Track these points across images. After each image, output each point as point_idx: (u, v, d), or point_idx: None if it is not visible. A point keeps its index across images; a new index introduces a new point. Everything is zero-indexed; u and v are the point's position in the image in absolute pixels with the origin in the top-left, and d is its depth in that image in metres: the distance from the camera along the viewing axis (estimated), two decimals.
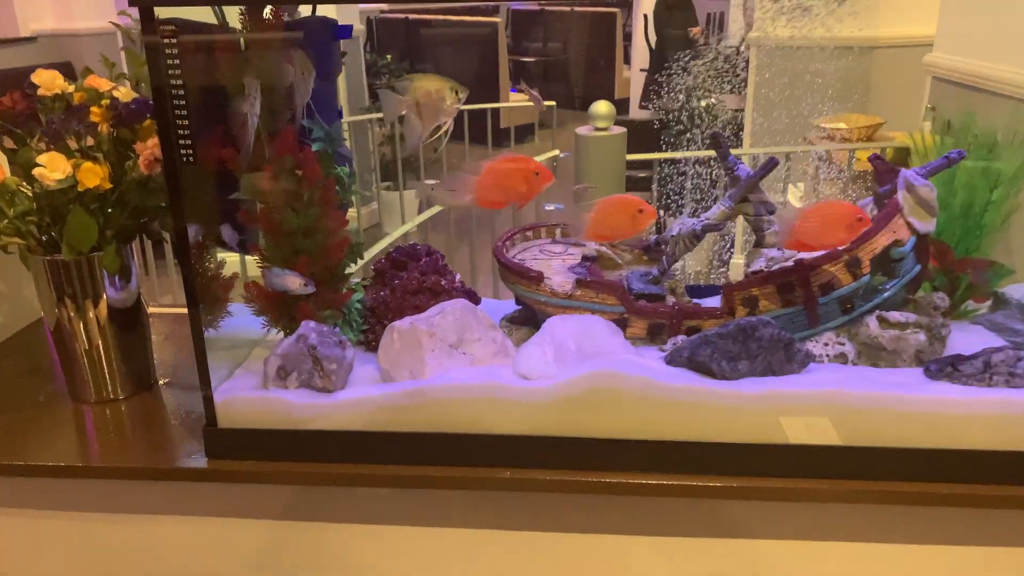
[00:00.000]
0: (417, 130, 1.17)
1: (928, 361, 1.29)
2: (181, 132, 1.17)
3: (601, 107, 3.23)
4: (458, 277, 1.52)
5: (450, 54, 9.22)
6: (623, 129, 3.27)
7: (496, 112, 8.23)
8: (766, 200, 1.37)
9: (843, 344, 1.35)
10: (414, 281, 1.44)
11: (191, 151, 1.20)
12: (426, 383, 1.28)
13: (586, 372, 1.25)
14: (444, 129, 1.19)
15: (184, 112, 1.16)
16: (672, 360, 1.29)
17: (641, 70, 9.88)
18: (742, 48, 9.16)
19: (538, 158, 3.86)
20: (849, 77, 4.73)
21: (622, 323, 1.37)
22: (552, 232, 1.52)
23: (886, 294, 1.34)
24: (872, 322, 1.34)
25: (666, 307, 1.36)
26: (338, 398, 1.30)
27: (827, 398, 1.23)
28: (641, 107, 9.60)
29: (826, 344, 1.35)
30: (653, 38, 9.48)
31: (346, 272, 1.43)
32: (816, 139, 4.42)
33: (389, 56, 7.61)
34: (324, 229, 1.34)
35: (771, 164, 1.36)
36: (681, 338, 1.36)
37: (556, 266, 1.43)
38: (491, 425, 1.28)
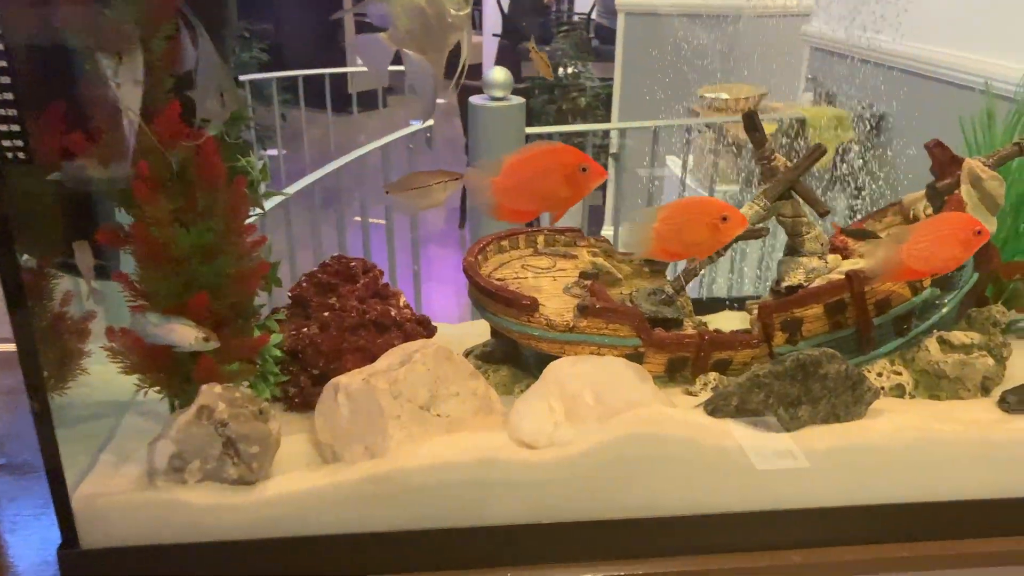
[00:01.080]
0: (427, 72, 0.78)
1: (1005, 392, 1.07)
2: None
3: (498, 74, 2.88)
4: (403, 299, 1.15)
5: (289, 13, 8.49)
6: (522, 99, 2.94)
7: (343, 78, 7.64)
8: (815, 198, 1.09)
9: (900, 373, 1.10)
10: (353, 312, 1.06)
11: (19, 140, 0.76)
12: (393, 464, 0.91)
13: (614, 435, 0.93)
14: (464, 58, 0.80)
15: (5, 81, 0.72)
16: (716, 410, 0.99)
17: (493, 35, 9.56)
18: (594, 15, 9.04)
19: (407, 130, 3.46)
20: (725, 46, 4.63)
21: (635, 359, 1.06)
22: (533, 240, 1.17)
23: (944, 310, 1.11)
24: (933, 345, 1.10)
25: (693, 337, 1.06)
26: (264, 492, 0.91)
27: (911, 448, 0.98)
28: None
29: (880, 374, 1.10)
30: (506, 3, 9.18)
31: (256, 305, 1.03)
32: (700, 109, 4.29)
33: None
34: (231, 250, 0.93)
35: (817, 153, 1.08)
36: (713, 377, 1.07)
37: (547, 287, 1.09)
38: (486, 514, 0.93)
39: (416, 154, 3.41)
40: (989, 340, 1.12)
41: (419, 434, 0.94)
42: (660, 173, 4.52)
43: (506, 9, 9.26)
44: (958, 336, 1.10)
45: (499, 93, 2.90)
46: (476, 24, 10.83)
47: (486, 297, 1.04)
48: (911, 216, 1.16)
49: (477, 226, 3.07)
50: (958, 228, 0.97)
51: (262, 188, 1.02)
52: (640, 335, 1.04)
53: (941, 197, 1.10)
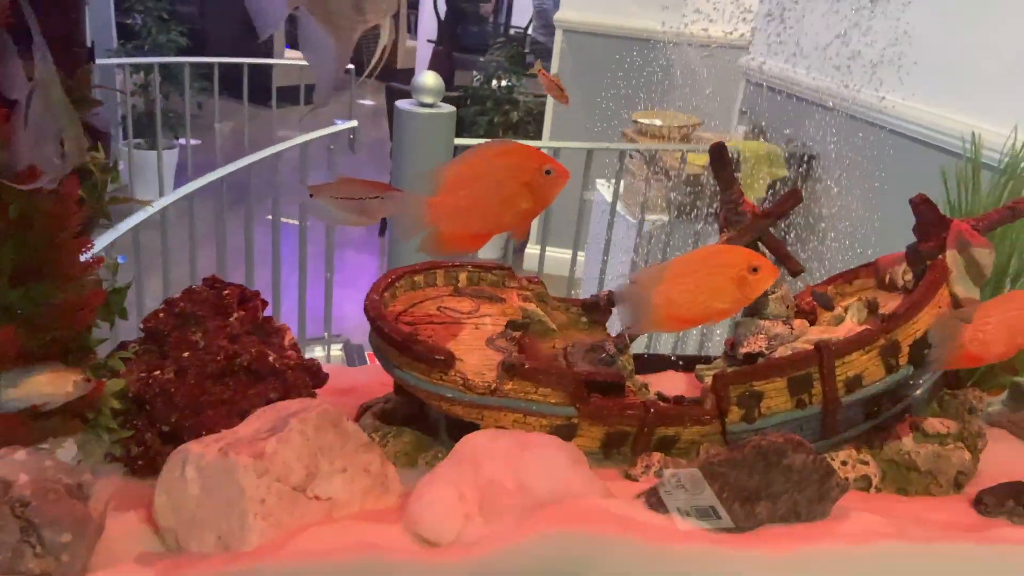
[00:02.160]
0: (328, 49, 0.58)
1: (982, 492, 0.94)
2: None
3: (428, 79, 2.68)
4: (289, 337, 0.94)
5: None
6: (452, 108, 2.75)
7: (267, 69, 7.29)
8: (787, 254, 0.93)
9: (866, 463, 0.96)
10: (220, 354, 0.84)
11: None
12: (251, 562, 0.70)
13: (537, 534, 0.74)
14: (383, 44, 0.61)
15: None
16: (660, 502, 0.82)
17: (428, 41, 9.37)
18: (530, 30, 8.98)
19: (331, 129, 3.22)
20: (662, 72, 4.57)
21: (565, 431, 0.88)
22: (454, 277, 0.97)
23: (918, 392, 0.97)
24: (905, 433, 0.96)
25: (637, 409, 0.89)
26: None
27: (882, 556, 0.83)
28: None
29: (844, 463, 0.95)
30: (443, 9, 9.02)
31: (92, 341, 0.80)
32: (632, 134, 4.20)
33: None
34: (54, 271, 0.70)
35: (793, 199, 0.93)
36: (657, 459, 0.89)
37: (466, 337, 0.90)
38: None
39: (336, 155, 3.18)
40: (964, 429, 0.99)
41: (289, 523, 0.74)
42: (589, 196, 4.40)
43: (442, 15, 9.10)
44: (933, 424, 0.96)
45: (428, 99, 2.71)
46: (411, 29, 10.61)
47: (390, 347, 0.84)
48: (887, 280, 1.02)
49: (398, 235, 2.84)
50: None
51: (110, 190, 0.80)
52: (576, 403, 0.86)
53: (924, 261, 0.97)
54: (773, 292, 0.96)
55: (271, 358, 0.86)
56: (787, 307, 0.97)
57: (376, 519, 0.78)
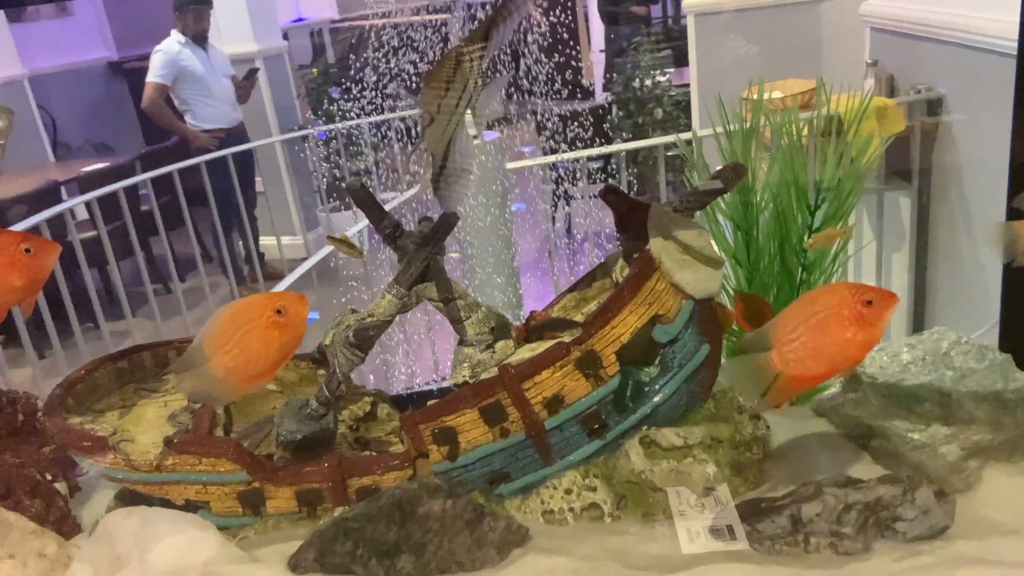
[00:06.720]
0: None
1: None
2: None
3: None
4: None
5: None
6: None
7: None
8: (444, 281, 0.85)
9: (594, 490, 0.83)
10: None
11: None
12: None
13: None
14: None
15: None
16: (298, 566, 0.78)
17: (600, 51, 9.33)
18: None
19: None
20: (795, 38, 4.22)
21: (255, 496, 0.86)
22: (163, 356, 0.99)
23: (656, 399, 0.83)
24: (635, 449, 0.82)
25: (316, 466, 0.85)
26: None
27: None
28: (605, 90, 9.12)
29: (568, 491, 0.84)
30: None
31: None
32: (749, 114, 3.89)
33: (315, 69, 6.89)
34: None
35: (447, 223, 0.84)
36: (339, 511, 0.85)
37: (151, 415, 0.92)
38: None
39: None
40: (735, 432, 0.83)
41: None
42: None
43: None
44: (667, 435, 0.81)
45: None
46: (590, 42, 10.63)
47: (59, 440, 0.89)
48: (614, 279, 0.89)
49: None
50: (837, 305, 0.70)
51: None
52: (245, 469, 0.85)
53: (631, 255, 0.83)
54: (468, 317, 0.88)
55: None
56: (489, 330, 0.88)
57: None
